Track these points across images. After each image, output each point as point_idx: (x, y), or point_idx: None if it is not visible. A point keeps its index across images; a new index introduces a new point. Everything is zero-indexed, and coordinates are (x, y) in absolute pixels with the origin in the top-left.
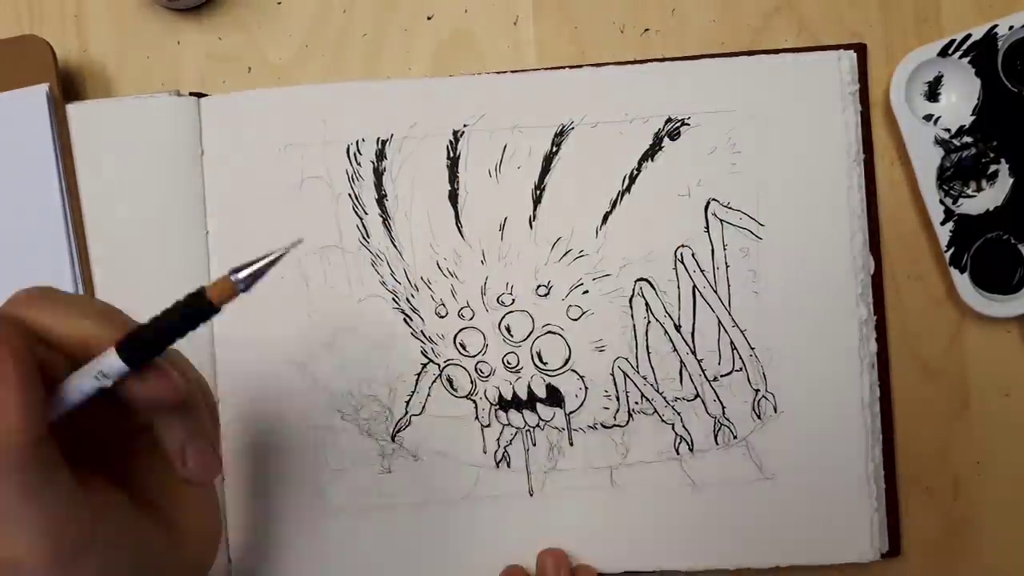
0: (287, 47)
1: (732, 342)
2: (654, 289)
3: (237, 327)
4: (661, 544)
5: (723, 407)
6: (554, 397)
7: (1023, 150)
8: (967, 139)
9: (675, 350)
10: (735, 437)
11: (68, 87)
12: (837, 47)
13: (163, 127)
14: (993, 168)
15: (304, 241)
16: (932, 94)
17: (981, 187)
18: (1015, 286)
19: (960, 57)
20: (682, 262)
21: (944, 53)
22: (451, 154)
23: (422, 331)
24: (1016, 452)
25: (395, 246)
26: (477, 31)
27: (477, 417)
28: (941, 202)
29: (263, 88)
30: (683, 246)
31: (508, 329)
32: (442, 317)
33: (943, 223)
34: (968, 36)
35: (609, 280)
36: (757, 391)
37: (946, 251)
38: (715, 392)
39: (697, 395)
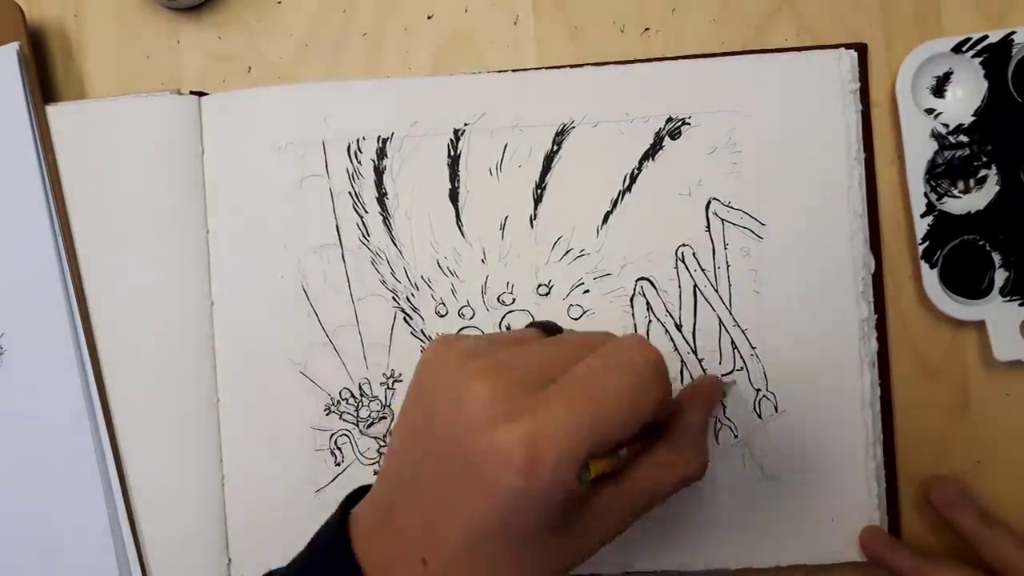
0: (287, 46)
1: (733, 341)
2: (655, 288)
3: (237, 326)
4: (662, 544)
5: (724, 407)
6: None
7: (1015, 159)
8: (963, 138)
9: (676, 349)
10: (736, 437)
11: (68, 86)
12: (837, 46)
13: (163, 127)
14: (983, 172)
15: (304, 239)
16: (939, 90)
17: (968, 189)
18: (981, 292)
19: (973, 56)
20: (683, 261)
21: (958, 50)
22: (452, 153)
23: (422, 330)
24: (1016, 452)
25: (395, 245)
26: (477, 31)
27: None
28: (925, 195)
29: (263, 87)
30: (684, 245)
31: (509, 328)
32: (442, 316)
33: (923, 215)
34: (985, 37)
35: (610, 279)
36: (758, 390)
37: (920, 244)
38: None
39: None
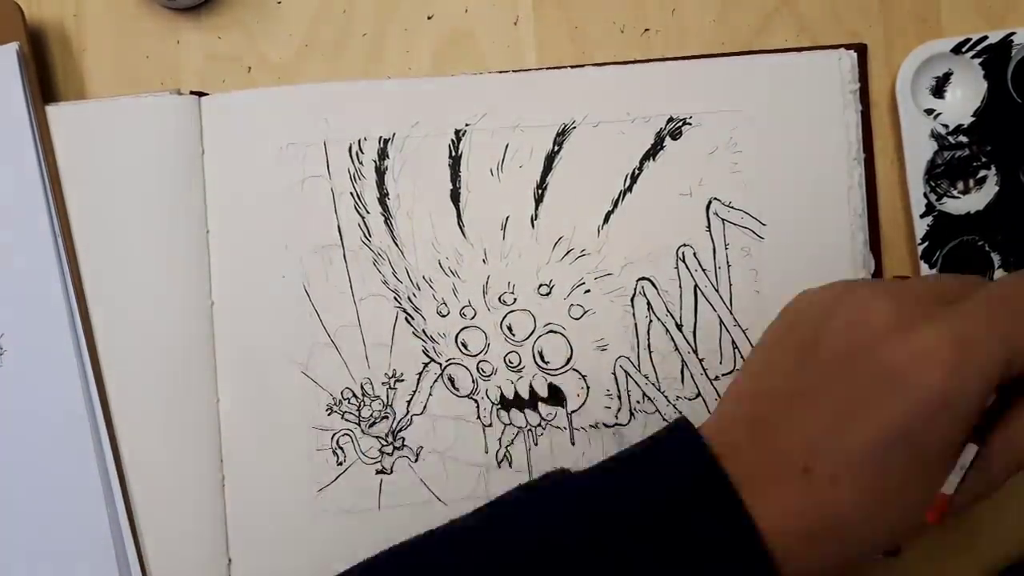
0: (287, 47)
1: (734, 341)
2: (656, 288)
3: (237, 326)
4: None
5: None
6: (556, 396)
7: (1014, 160)
8: (963, 139)
9: (677, 349)
10: None
11: (69, 87)
12: (837, 47)
13: (163, 127)
14: (982, 173)
15: (306, 239)
16: (939, 90)
17: (968, 189)
18: None
19: (972, 57)
20: (684, 261)
21: (958, 51)
22: (453, 153)
23: (423, 330)
24: None
25: (397, 245)
26: (477, 31)
27: (479, 417)
28: (925, 196)
29: (264, 87)
30: (685, 245)
31: (510, 328)
32: (444, 316)
33: (922, 216)
34: (984, 38)
35: (611, 279)
36: None
37: (920, 244)
38: (717, 391)
39: (699, 394)
